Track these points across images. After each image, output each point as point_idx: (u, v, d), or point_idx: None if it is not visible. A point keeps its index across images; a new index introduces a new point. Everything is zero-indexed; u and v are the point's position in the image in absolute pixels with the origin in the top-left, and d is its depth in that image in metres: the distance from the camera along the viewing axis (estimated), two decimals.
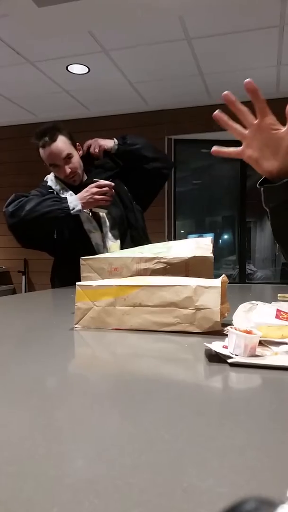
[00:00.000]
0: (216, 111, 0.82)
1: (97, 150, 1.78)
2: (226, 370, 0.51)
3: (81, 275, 0.97)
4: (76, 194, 1.67)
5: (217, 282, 0.73)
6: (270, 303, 0.81)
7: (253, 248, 4.77)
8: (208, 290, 0.71)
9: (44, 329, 0.84)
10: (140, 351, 0.65)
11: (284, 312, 0.73)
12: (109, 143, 1.79)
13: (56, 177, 1.77)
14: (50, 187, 1.74)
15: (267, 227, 4.68)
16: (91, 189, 1.62)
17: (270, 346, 0.59)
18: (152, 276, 0.89)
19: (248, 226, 4.50)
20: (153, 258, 0.91)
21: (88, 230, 1.71)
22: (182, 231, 4.66)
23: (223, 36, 2.90)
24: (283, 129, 0.79)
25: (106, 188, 1.62)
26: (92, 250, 1.68)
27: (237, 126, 0.83)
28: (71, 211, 1.58)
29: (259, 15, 2.65)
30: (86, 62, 3.28)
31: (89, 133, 4.26)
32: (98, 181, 1.65)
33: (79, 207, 1.59)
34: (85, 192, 1.62)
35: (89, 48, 3.05)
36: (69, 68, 3.36)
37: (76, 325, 0.79)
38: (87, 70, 3.40)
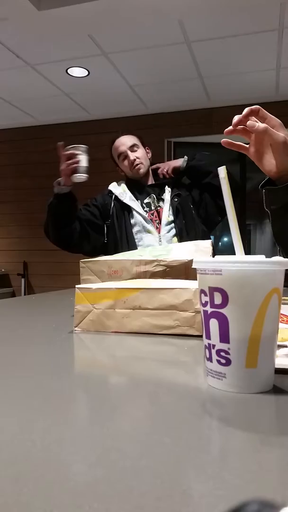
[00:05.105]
0: (222, 140, 0.84)
1: (165, 170, 1.87)
2: None
3: (81, 278, 0.97)
4: (142, 200, 1.80)
5: None
6: None
7: (253, 250, 4.76)
8: None
9: (44, 332, 0.84)
10: (140, 354, 0.65)
11: (284, 315, 0.73)
12: (179, 161, 1.88)
13: (119, 183, 1.87)
14: (110, 191, 1.85)
15: (267, 230, 4.68)
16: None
17: None
18: (151, 279, 0.89)
19: (248, 229, 4.50)
20: (153, 261, 0.91)
21: (139, 231, 1.76)
22: None
23: (223, 40, 2.91)
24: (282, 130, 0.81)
25: (63, 153, 1.55)
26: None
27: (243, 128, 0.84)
28: (58, 193, 1.62)
29: (258, 18, 2.66)
30: (86, 65, 3.29)
31: (88, 136, 4.33)
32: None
33: (61, 187, 1.62)
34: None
35: (88, 51, 3.06)
36: (69, 71, 3.37)
37: (76, 328, 0.79)
38: (86, 73, 3.41)
